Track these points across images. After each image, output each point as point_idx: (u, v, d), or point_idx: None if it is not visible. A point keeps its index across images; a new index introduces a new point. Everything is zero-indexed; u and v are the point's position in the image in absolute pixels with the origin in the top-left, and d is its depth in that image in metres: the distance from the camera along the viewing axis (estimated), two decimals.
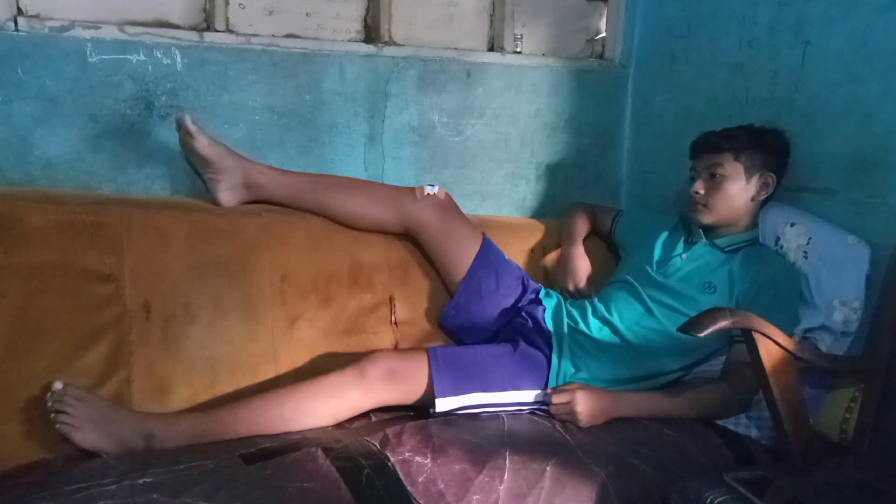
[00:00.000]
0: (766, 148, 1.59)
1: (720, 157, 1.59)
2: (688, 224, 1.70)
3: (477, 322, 1.67)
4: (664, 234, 1.72)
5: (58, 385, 1.27)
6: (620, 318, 1.59)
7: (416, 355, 1.46)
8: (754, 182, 1.58)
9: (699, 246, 1.63)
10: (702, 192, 1.60)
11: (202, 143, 1.54)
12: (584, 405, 1.42)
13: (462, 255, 1.67)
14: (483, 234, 1.72)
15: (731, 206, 1.59)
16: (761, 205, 1.63)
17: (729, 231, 1.62)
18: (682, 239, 1.68)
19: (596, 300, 1.67)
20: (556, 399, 1.44)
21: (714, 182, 1.59)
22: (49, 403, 1.26)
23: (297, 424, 1.35)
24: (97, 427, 1.26)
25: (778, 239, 1.61)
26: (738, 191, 1.58)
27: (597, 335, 1.58)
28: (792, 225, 1.59)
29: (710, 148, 1.61)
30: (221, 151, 1.57)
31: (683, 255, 1.64)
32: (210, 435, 1.30)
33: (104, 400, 1.32)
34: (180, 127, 1.54)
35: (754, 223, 1.63)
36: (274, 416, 1.34)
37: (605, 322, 1.60)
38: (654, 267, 1.66)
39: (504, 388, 1.47)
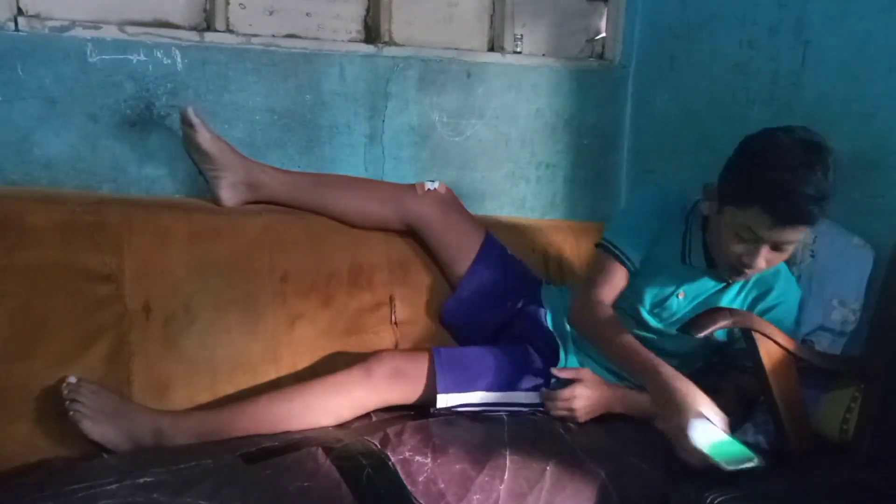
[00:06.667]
0: None
1: (807, 228, 1.31)
2: (686, 235, 1.50)
3: (478, 316, 1.67)
4: (659, 260, 1.50)
5: (72, 379, 1.29)
6: None
7: (420, 355, 1.46)
8: None
9: (696, 270, 1.48)
10: (765, 266, 1.35)
11: (204, 137, 1.54)
12: (583, 391, 1.42)
13: (464, 250, 1.67)
14: (486, 229, 1.72)
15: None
16: None
17: None
18: (678, 259, 1.49)
19: None
20: (561, 375, 1.45)
21: (779, 252, 1.34)
22: (65, 393, 1.27)
23: (303, 422, 1.35)
24: (108, 419, 1.27)
25: None
26: None
27: None
28: None
29: (805, 220, 1.27)
30: (223, 147, 1.57)
31: (680, 294, 1.48)
32: (218, 432, 1.31)
33: (116, 395, 1.33)
34: (183, 119, 1.54)
35: None
36: (282, 413, 1.35)
37: None
38: (648, 308, 1.50)
39: (505, 388, 1.47)
